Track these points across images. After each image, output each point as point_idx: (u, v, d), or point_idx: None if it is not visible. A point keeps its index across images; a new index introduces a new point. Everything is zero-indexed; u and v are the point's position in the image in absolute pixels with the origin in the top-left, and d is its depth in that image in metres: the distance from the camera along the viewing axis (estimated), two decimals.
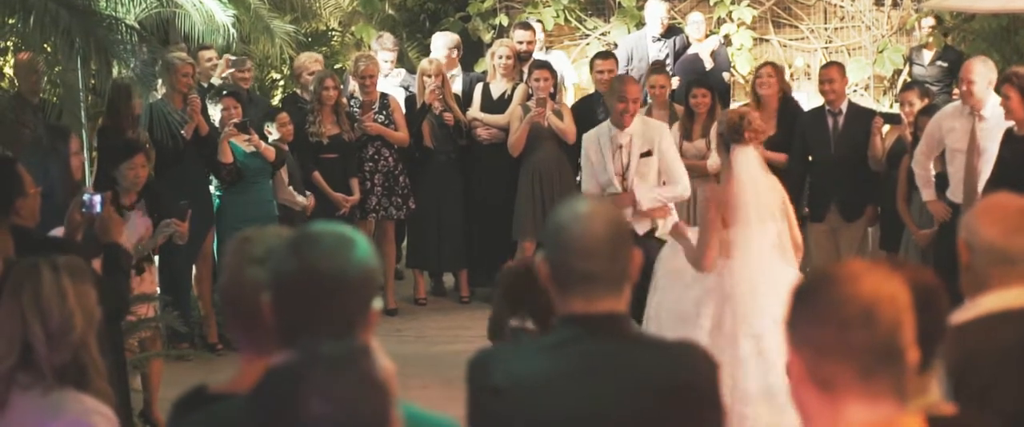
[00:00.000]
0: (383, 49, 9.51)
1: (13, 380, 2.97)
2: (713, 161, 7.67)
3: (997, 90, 6.83)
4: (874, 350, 1.88)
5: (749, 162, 5.64)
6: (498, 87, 9.15)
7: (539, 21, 10.88)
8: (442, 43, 9.44)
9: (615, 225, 2.48)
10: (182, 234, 6.38)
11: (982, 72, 7.01)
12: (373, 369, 1.85)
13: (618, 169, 6.87)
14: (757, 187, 5.64)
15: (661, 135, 7.00)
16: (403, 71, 9.71)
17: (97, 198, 4.58)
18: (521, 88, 9.04)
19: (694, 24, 10.33)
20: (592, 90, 9.31)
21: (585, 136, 7.25)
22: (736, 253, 5.60)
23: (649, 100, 8.81)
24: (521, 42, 9.51)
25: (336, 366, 1.81)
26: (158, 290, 6.83)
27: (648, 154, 6.87)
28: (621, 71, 9.75)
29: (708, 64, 10.03)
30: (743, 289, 5.57)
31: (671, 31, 10.40)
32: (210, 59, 8.81)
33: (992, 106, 6.93)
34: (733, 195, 5.59)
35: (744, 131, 5.61)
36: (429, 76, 8.83)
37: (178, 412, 2.47)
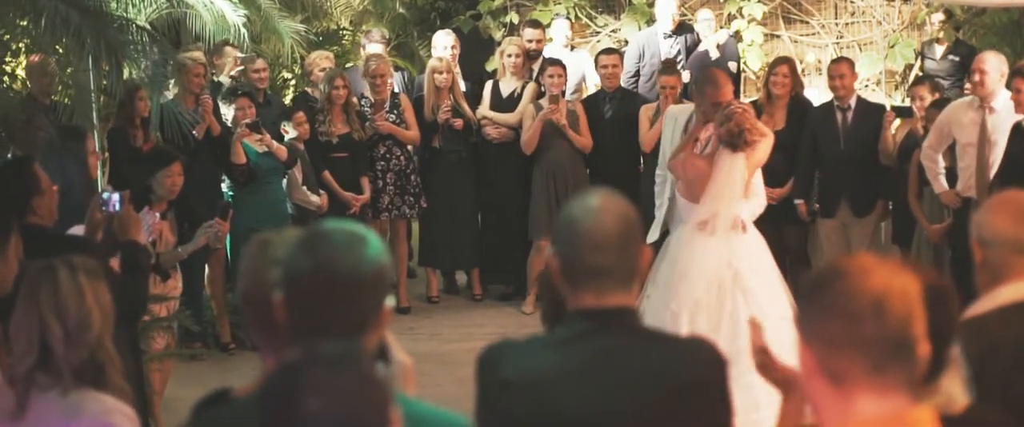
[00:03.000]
0: (371, 43, 9.52)
1: (32, 381, 2.97)
2: None
3: (1008, 84, 6.82)
4: (885, 343, 1.89)
5: (734, 169, 5.97)
6: (507, 85, 9.14)
7: (567, 18, 10.82)
8: (446, 42, 9.42)
9: (625, 220, 2.47)
10: (222, 236, 6.36)
11: (994, 64, 7.02)
12: (373, 368, 1.85)
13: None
14: (732, 190, 5.99)
15: None
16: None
17: (115, 197, 4.60)
18: (531, 86, 9.03)
19: (704, 21, 10.27)
20: None
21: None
22: (700, 228, 5.98)
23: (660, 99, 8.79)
24: (531, 41, 9.49)
25: (336, 365, 1.82)
26: (180, 288, 6.82)
27: None
28: (632, 68, 9.76)
29: (714, 55, 9.98)
30: (708, 263, 5.92)
31: (682, 27, 10.37)
32: (262, 68, 8.85)
33: (1003, 99, 6.92)
34: (711, 180, 5.96)
35: (740, 145, 5.92)
36: (441, 73, 8.85)
37: (197, 412, 2.48)
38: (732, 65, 10.22)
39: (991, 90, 6.99)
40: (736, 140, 5.89)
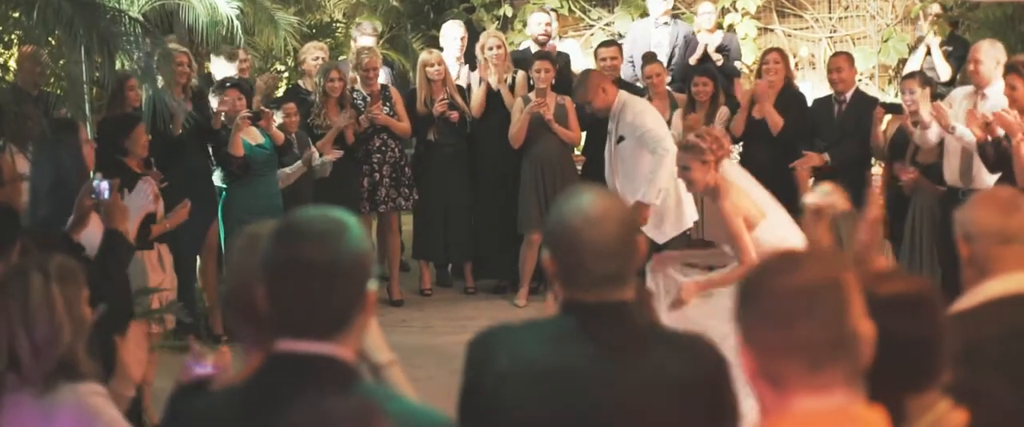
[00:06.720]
0: (363, 35, 9.50)
1: (3, 383, 2.94)
2: None
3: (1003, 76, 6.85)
4: (821, 342, 1.86)
5: (737, 171, 5.84)
6: (493, 79, 9.08)
7: (553, 10, 10.80)
8: (456, 33, 9.40)
9: (623, 222, 2.44)
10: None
11: (990, 53, 7.08)
12: None
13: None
14: (751, 184, 5.82)
15: (634, 113, 7.01)
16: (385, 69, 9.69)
17: (105, 184, 4.65)
18: (520, 78, 9.00)
19: (705, 15, 10.21)
20: None
21: None
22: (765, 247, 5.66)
23: (648, 90, 8.79)
24: (538, 23, 9.46)
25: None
26: (176, 278, 6.81)
27: (622, 139, 6.83)
28: (625, 61, 9.74)
29: (714, 57, 9.95)
30: None
31: (675, 18, 10.36)
32: (244, 60, 8.82)
33: (998, 87, 6.95)
34: (743, 199, 5.65)
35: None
36: (432, 65, 8.84)
37: (178, 399, 2.47)
38: (738, 64, 10.22)
39: (987, 77, 7.04)
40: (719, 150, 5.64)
